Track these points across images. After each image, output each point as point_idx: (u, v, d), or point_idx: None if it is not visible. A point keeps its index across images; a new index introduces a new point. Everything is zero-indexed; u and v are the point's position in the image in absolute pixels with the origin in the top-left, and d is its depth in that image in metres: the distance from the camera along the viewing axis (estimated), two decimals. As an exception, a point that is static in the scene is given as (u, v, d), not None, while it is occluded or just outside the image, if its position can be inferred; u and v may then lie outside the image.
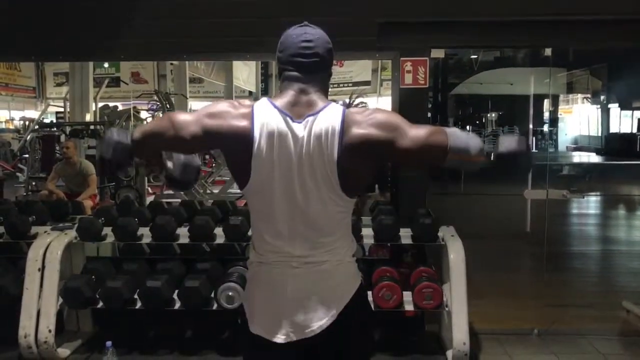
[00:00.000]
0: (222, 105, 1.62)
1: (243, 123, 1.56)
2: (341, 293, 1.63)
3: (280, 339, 1.60)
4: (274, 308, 1.61)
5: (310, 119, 1.56)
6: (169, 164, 1.77)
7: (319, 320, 1.60)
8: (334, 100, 1.82)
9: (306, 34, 1.62)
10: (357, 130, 1.55)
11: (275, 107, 1.59)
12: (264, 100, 1.62)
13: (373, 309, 3.20)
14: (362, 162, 1.57)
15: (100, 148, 1.77)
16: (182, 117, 1.62)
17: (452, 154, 1.54)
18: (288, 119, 1.57)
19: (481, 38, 4.12)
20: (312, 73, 1.62)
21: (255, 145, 1.55)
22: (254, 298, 1.66)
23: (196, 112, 1.63)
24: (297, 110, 1.58)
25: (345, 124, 1.55)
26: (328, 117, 1.57)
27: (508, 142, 1.65)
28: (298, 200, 1.58)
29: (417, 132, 1.55)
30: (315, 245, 1.62)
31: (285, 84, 1.64)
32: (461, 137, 1.56)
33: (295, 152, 1.55)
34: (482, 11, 3.90)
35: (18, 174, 11.17)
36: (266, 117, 1.57)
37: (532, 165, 1.70)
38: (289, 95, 1.61)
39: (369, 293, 3.19)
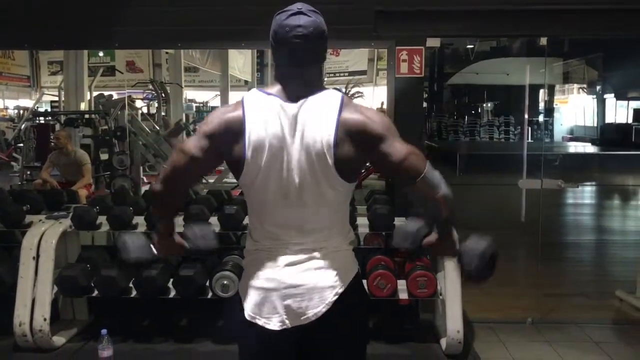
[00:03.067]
0: (216, 110, 1.69)
1: (234, 113, 1.60)
2: (337, 280, 1.63)
3: (275, 325, 1.61)
4: (269, 295, 1.62)
5: (306, 101, 1.58)
6: (187, 244, 1.80)
7: (315, 308, 1.60)
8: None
9: (299, 28, 1.56)
10: (354, 115, 1.58)
11: (267, 93, 1.60)
12: (254, 90, 1.65)
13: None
14: (354, 149, 1.57)
15: (122, 253, 1.82)
16: (188, 141, 1.67)
17: (422, 182, 1.59)
18: (280, 101, 1.58)
19: (477, 27, 4.11)
20: (306, 64, 1.61)
21: (247, 130, 1.56)
22: (249, 285, 1.66)
23: (197, 130, 1.69)
24: (291, 94, 1.59)
25: (343, 107, 1.57)
26: (325, 99, 1.58)
27: (474, 243, 1.72)
28: (294, 185, 1.58)
29: (403, 146, 1.60)
30: (311, 232, 1.63)
31: (279, 75, 1.65)
32: (437, 175, 1.61)
33: (290, 134, 1.56)
34: (478, 0, 3.89)
35: (12, 163, 11.11)
36: (257, 102, 1.59)
37: (488, 276, 1.74)
38: (282, 83, 1.61)
39: (364, 282, 3.20)
